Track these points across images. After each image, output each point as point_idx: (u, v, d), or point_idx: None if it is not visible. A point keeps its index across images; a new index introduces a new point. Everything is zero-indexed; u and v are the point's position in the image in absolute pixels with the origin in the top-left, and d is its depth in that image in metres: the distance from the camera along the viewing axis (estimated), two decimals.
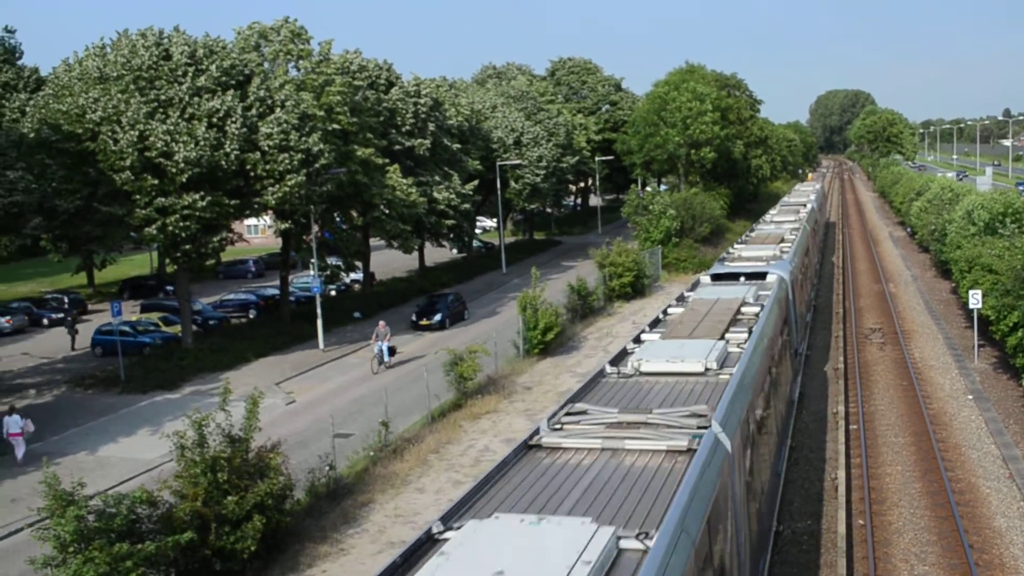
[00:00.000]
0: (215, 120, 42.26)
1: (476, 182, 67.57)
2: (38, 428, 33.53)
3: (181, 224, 41.86)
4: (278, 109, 44.40)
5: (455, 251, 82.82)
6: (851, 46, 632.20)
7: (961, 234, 50.64)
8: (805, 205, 64.48)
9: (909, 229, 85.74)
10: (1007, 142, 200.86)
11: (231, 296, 60.22)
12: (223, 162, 42.20)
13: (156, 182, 41.49)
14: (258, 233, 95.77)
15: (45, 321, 58.33)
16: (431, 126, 61.87)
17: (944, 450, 28.24)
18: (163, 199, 41.64)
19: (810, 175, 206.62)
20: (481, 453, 29.90)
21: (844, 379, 36.62)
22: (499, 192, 75.72)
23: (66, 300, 61.65)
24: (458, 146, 66.77)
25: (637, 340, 20.15)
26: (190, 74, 42.41)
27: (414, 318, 53.04)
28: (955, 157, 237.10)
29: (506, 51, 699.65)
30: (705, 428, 13.13)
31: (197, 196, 41.72)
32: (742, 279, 28.99)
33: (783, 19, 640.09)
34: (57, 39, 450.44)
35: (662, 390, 16.12)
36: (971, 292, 38.65)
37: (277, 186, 43.78)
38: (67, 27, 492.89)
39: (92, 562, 17.87)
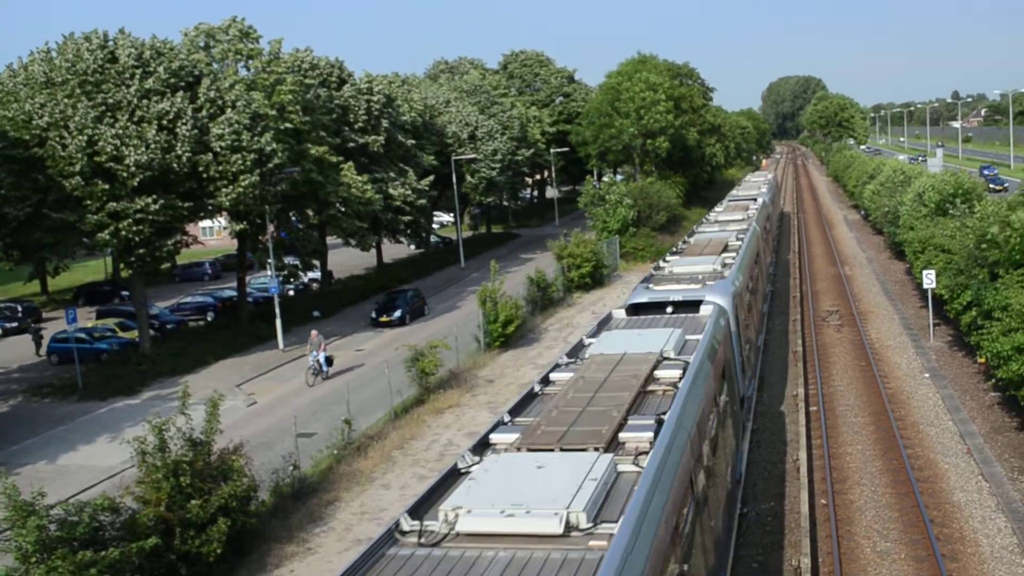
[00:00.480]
0: (165, 122, 41.78)
1: (432, 177, 67.40)
2: None
3: (134, 228, 41.37)
4: (229, 110, 43.99)
5: (413, 247, 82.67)
6: (801, 33, 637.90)
7: (913, 216, 51.29)
8: (755, 199, 57.04)
9: (863, 212, 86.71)
10: (956, 124, 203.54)
11: (188, 299, 59.67)
12: (175, 164, 41.74)
13: (107, 187, 40.96)
14: (214, 235, 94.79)
15: None
16: (384, 122, 61.63)
17: (903, 428, 28.62)
18: (115, 204, 41.11)
19: (764, 161, 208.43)
20: (445, 448, 29.89)
21: (803, 362, 36.98)
22: (455, 187, 75.61)
23: (20, 309, 60.74)
24: (412, 142, 66.58)
25: (478, 450, 12.93)
26: (138, 76, 41.89)
27: (374, 315, 52.88)
28: (903, 139, 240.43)
29: (458, 46, 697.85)
30: None
31: (149, 199, 41.24)
32: (669, 310, 23.05)
33: (733, 7, 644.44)
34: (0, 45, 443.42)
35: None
36: (925, 272, 39.20)
37: (231, 187, 43.39)
38: (10, 32, 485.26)
39: (55, 571, 17.65)
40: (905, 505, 23.03)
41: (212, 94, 43.91)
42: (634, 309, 23.57)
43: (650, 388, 15.36)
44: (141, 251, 42.85)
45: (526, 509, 9.94)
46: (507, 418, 14.05)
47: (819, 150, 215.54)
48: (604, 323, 22.21)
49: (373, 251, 69.85)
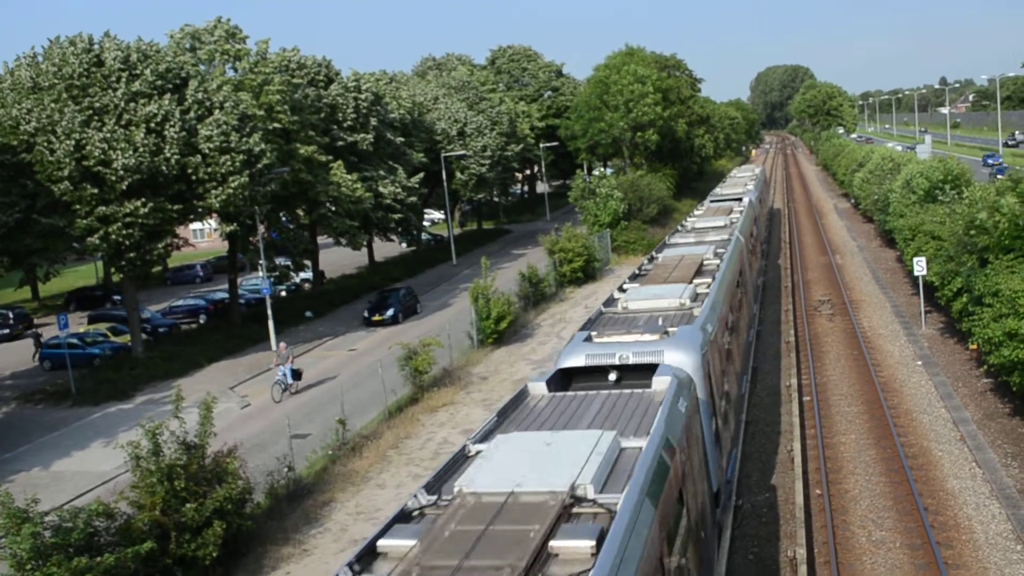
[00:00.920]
0: (153, 125, 41.64)
1: (421, 175, 67.35)
2: None
3: (124, 232, 41.26)
4: (217, 111, 43.86)
5: (404, 245, 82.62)
6: (788, 22, 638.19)
7: (903, 203, 51.40)
8: (741, 199, 51.31)
9: (853, 200, 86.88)
10: (944, 110, 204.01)
11: (180, 302, 59.56)
12: (163, 167, 41.62)
13: (96, 191, 40.83)
14: (204, 237, 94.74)
15: None
16: (373, 120, 61.53)
17: (896, 416, 28.68)
18: (104, 208, 40.99)
19: (753, 152, 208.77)
20: (440, 446, 29.89)
21: (796, 351, 37.04)
22: (445, 184, 75.53)
23: (11, 315, 60.58)
24: (401, 139, 66.49)
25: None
26: (124, 80, 41.74)
27: (366, 314, 52.84)
28: (888, 126, 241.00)
29: (445, 42, 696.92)
30: None
31: (139, 203, 41.13)
32: (612, 376, 17.45)
33: None
34: None
35: None
36: (915, 260, 39.26)
37: (220, 188, 43.28)
38: None
39: None
40: (899, 493, 23.08)
41: (200, 96, 43.78)
42: (561, 380, 17.30)
43: None
44: (131, 255, 42.74)
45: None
46: None
47: (808, 139, 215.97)
48: (509, 409, 15.10)
49: (364, 250, 69.76)
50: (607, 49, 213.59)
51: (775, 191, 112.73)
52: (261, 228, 49.41)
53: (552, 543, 9.45)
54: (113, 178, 40.55)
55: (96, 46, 42.57)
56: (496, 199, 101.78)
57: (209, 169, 43.03)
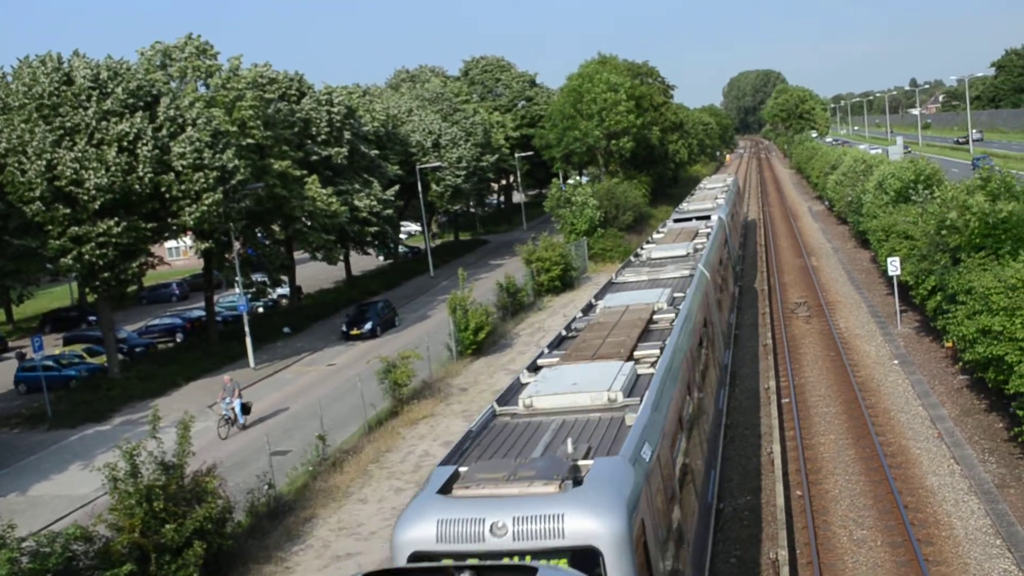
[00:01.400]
0: (125, 144, 41.44)
1: (397, 187, 67.27)
2: None
3: (97, 252, 41.01)
4: (189, 128, 43.70)
5: (381, 258, 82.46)
6: (759, 27, 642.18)
7: (876, 204, 51.75)
8: (709, 216, 44.86)
9: (827, 202, 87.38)
10: (915, 111, 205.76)
11: (156, 321, 59.20)
12: (136, 186, 41.42)
13: (68, 211, 40.60)
14: (180, 255, 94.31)
15: None
16: (347, 134, 61.45)
17: (874, 416, 28.83)
18: (77, 228, 40.75)
19: (728, 156, 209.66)
20: (421, 459, 29.81)
21: (773, 354, 37.18)
22: (421, 195, 75.48)
23: None
24: (376, 152, 66.44)
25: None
26: (95, 98, 41.55)
27: (344, 328, 52.69)
28: (856, 128, 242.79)
29: (418, 54, 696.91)
30: None
31: (112, 222, 40.91)
32: None
33: (691, 4, 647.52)
34: None
35: None
36: (889, 259, 39.52)
37: (194, 206, 43.10)
38: None
39: None
40: (879, 492, 23.19)
41: (172, 113, 43.60)
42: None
43: None
44: (106, 275, 42.48)
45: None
46: None
47: (781, 143, 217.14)
48: None
49: (342, 264, 69.62)
50: (580, 58, 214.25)
51: (749, 195, 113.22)
52: (236, 245, 49.24)
53: None
54: (85, 198, 40.33)
55: (66, 64, 42.35)
56: (472, 210, 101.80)
57: (183, 186, 42.84)
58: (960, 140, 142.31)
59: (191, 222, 43.76)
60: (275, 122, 52.81)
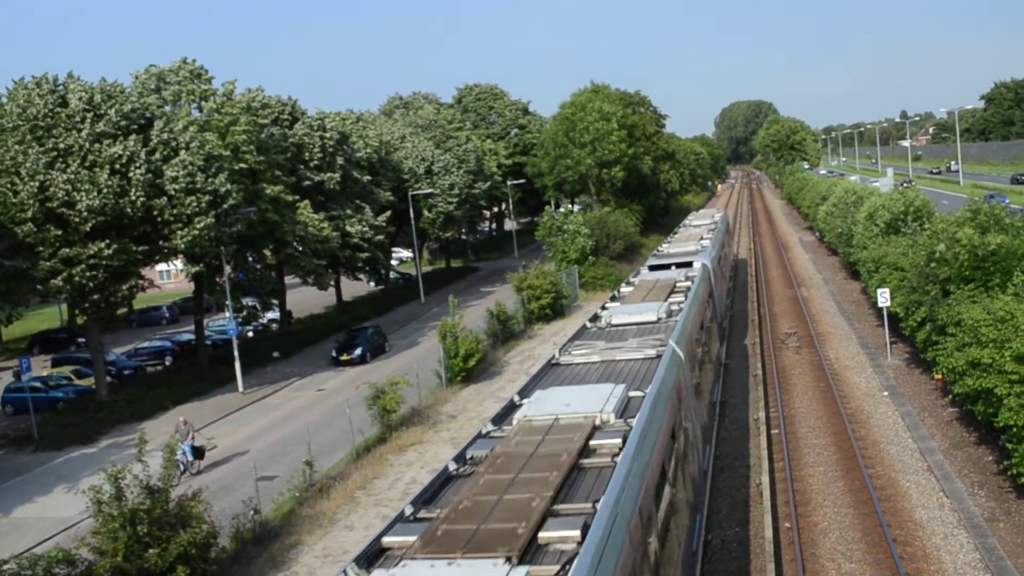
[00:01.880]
0: (118, 166, 41.45)
1: (389, 213, 67.31)
2: None
3: (88, 274, 40.92)
4: (183, 151, 43.72)
5: (372, 284, 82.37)
6: (752, 58, 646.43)
7: (866, 235, 51.90)
8: (691, 263, 37.77)
9: (818, 233, 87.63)
10: (905, 143, 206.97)
11: (145, 344, 58.98)
12: (128, 209, 41.39)
13: (60, 232, 40.54)
14: (170, 278, 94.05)
15: None
16: (340, 159, 61.54)
17: (863, 447, 28.78)
18: (68, 249, 40.68)
19: (719, 186, 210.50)
20: (408, 486, 29.64)
21: (764, 385, 37.15)
22: (413, 222, 75.54)
23: None
24: (368, 178, 66.50)
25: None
26: (89, 120, 41.57)
27: (334, 354, 52.55)
28: (844, 159, 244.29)
29: (412, 81, 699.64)
30: None
31: (103, 244, 40.85)
32: None
33: (684, 35, 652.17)
34: None
35: None
36: (879, 291, 39.59)
37: (186, 230, 43.07)
38: None
39: None
40: (868, 525, 23.11)
41: (165, 136, 43.63)
42: None
43: None
44: (95, 297, 42.35)
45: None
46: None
47: (773, 173, 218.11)
48: None
49: (332, 289, 69.55)
50: (573, 86, 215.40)
51: (740, 225, 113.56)
52: (227, 268, 49.15)
53: None
54: (77, 219, 40.29)
55: (60, 87, 42.39)
56: (464, 237, 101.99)
57: (175, 210, 42.83)
58: (934, 171, 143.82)
59: (182, 245, 43.73)
60: (268, 147, 52.87)
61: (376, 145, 71.67)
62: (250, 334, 60.87)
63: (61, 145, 41.02)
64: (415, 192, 75.30)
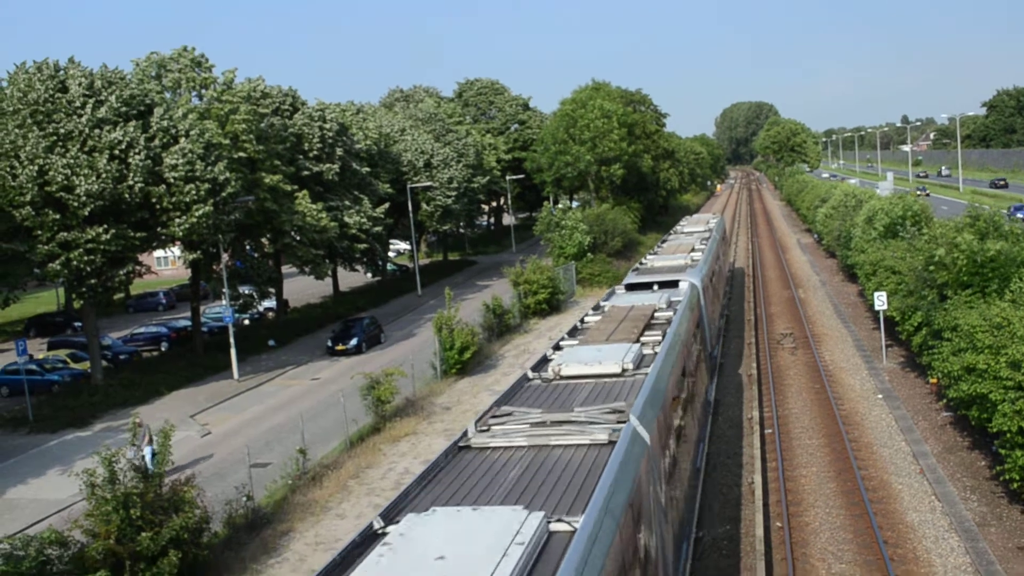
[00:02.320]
0: (117, 152, 41.38)
1: (387, 205, 67.24)
2: None
3: (85, 258, 40.88)
4: (182, 139, 43.66)
5: (369, 275, 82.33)
6: (754, 59, 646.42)
7: (864, 238, 51.97)
8: (679, 282, 32.07)
9: (816, 235, 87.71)
10: (906, 147, 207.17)
11: (142, 329, 58.95)
12: (127, 194, 41.34)
13: (58, 216, 40.47)
14: (168, 264, 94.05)
15: None
16: (339, 150, 61.47)
17: (857, 449, 28.84)
18: (66, 234, 40.62)
19: (719, 186, 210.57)
20: (401, 476, 29.69)
21: (758, 384, 37.21)
22: (411, 214, 75.52)
23: None
24: (367, 170, 66.42)
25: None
26: (89, 106, 41.50)
27: (330, 344, 52.56)
28: (842, 162, 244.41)
29: (412, 74, 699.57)
30: None
31: (101, 229, 40.79)
32: None
33: (686, 35, 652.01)
34: None
35: None
36: (876, 294, 39.65)
37: (184, 217, 43.02)
38: None
39: None
40: (859, 526, 23.18)
41: (165, 123, 43.56)
42: None
43: None
44: (93, 281, 42.32)
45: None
46: None
47: (772, 175, 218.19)
48: None
49: (329, 279, 69.50)
50: (573, 83, 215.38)
51: (739, 225, 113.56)
52: (225, 256, 49.10)
53: None
54: (75, 204, 40.23)
55: (61, 72, 42.32)
56: (462, 230, 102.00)
57: (173, 197, 42.77)
58: (920, 174, 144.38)
59: (180, 233, 43.67)
60: (267, 136, 52.81)
61: (376, 137, 71.57)
62: (246, 322, 60.88)
63: (61, 130, 40.94)
64: (414, 185, 75.26)
